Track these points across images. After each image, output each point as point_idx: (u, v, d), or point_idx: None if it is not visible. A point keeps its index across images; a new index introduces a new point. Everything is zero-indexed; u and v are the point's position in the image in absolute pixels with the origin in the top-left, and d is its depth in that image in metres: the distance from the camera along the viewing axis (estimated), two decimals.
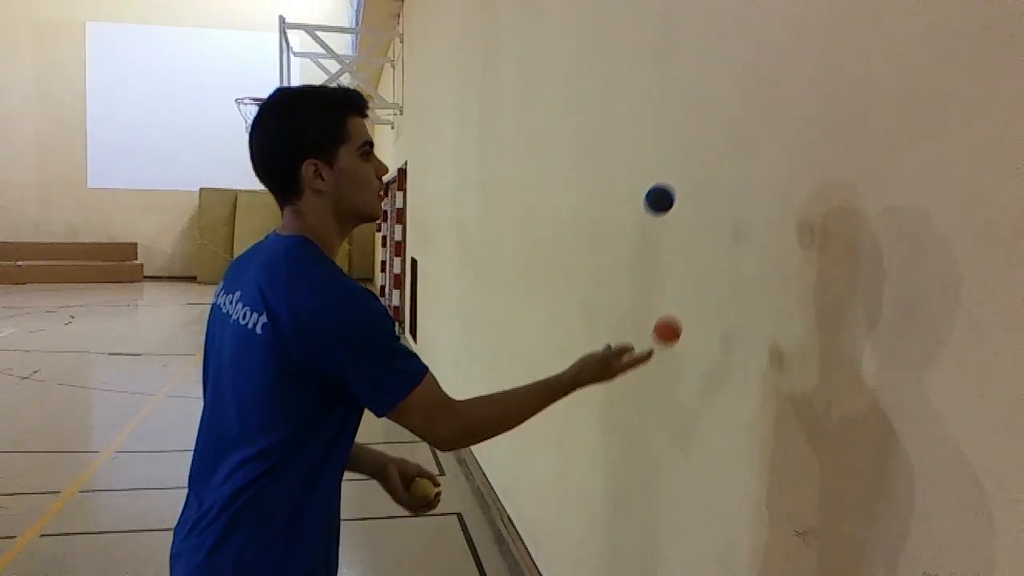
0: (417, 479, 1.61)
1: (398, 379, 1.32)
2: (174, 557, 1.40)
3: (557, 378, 1.48)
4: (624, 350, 1.51)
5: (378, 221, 12.76)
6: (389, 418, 1.34)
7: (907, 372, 1.21)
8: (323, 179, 1.37)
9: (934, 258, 1.16)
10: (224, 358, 1.40)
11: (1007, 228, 1.03)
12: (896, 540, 1.22)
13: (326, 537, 1.42)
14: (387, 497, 1.62)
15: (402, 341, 1.37)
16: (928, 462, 1.17)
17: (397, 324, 10.14)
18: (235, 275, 1.46)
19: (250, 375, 1.34)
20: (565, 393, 1.48)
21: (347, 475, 1.46)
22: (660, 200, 1.49)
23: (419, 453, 5.28)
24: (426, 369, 1.35)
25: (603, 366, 1.50)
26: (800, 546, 1.47)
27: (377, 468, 1.62)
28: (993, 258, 1.06)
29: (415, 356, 1.36)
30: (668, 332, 1.55)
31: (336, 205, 1.40)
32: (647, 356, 1.52)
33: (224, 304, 1.43)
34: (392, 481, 1.59)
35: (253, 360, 1.33)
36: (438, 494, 1.62)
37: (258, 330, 1.32)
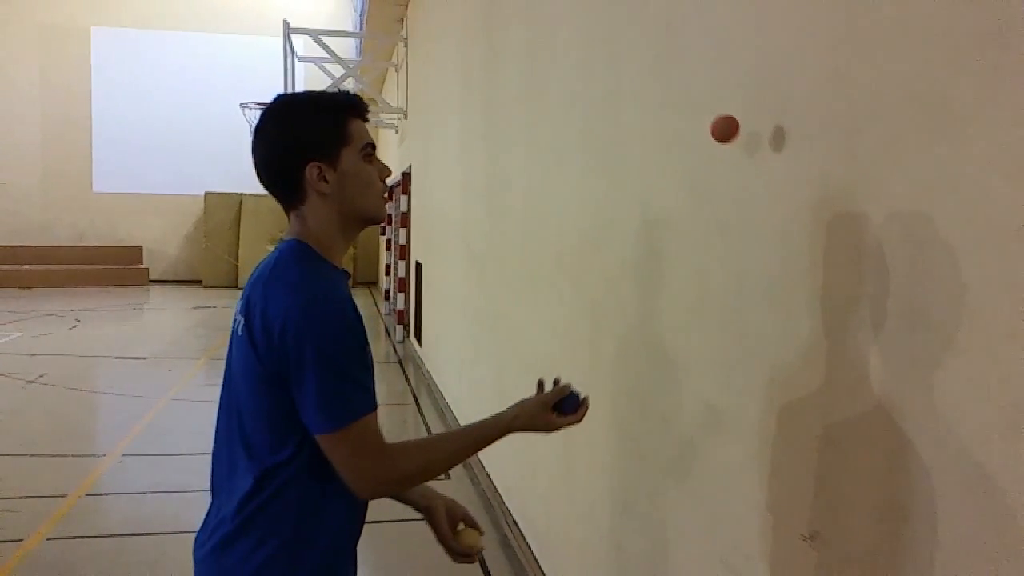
0: (465, 528, 1.57)
1: (338, 406, 1.26)
2: (196, 562, 1.42)
3: (493, 421, 1.43)
4: (562, 393, 1.44)
5: (383, 224, 12.81)
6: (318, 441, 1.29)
7: (913, 375, 1.21)
8: (327, 181, 1.37)
9: (939, 262, 1.16)
10: (231, 365, 1.42)
11: (1011, 232, 1.03)
12: (903, 544, 1.22)
13: (337, 560, 1.41)
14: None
15: (363, 373, 1.30)
16: (935, 466, 1.16)
17: (400, 327, 10.16)
18: (248, 284, 1.48)
19: (241, 380, 1.36)
20: (498, 437, 1.43)
21: None
22: (569, 403, 1.43)
23: None
24: (372, 408, 1.30)
25: (541, 410, 1.43)
26: (806, 550, 1.47)
27: (424, 504, 1.57)
28: (997, 261, 1.06)
29: (368, 391, 1.30)
30: (721, 131, 1.53)
31: (340, 207, 1.40)
32: (579, 417, 1.44)
33: (237, 313, 1.45)
34: (440, 521, 1.55)
35: (241, 364, 1.35)
36: (482, 548, 1.57)
37: (239, 331, 1.34)
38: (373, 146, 1.43)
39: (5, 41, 18.10)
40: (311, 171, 1.36)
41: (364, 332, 1.33)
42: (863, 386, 1.31)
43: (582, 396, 1.45)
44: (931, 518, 1.16)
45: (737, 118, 1.58)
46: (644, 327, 2.30)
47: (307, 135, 1.37)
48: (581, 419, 1.45)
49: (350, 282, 1.48)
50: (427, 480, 1.41)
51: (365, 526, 1.51)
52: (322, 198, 1.38)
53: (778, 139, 1.59)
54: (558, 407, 1.43)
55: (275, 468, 1.31)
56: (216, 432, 1.46)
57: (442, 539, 1.56)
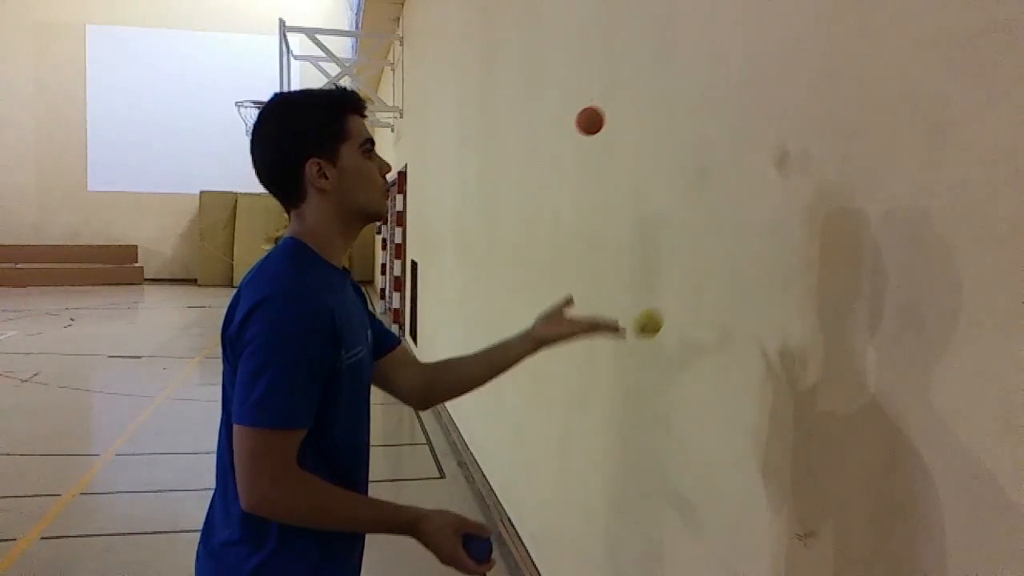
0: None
1: (260, 405, 1.22)
2: (198, 556, 1.42)
3: (407, 511, 1.36)
4: (480, 531, 1.37)
5: (379, 224, 12.79)
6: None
7: (909, 374, 1.21)
8: (327, 178, 1.36)
9: (935, 260, 1.16)
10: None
11: (1007, 230, 1.03)
12: (897, 543, 1.22)
13: (335, 562, 1.40)
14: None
15: (306, 386, 1.25)
16: (930, 464, 1.17)
17: (396, 326, 10.12)
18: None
19: (225, 375, 1.35)
20: (399, 528, 1.34)
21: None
22: (477, 546, 1.35)
23: (418, 454, 5.27)
24: (295, 425, 1.25)
25: (452, 530, 1.33)
26: (800, 549, 1.47)
27: (531, 345, 1.68)
28: (993, 260, 1.06)
29: (299, 406, 1.25)
30: (584, 123, 1.58)
31: (340, 204, 1.39)
32: (481, 570, 1.35)
33: None
34: (552, 333, 1.63)
35: (224, 360, 1.35)
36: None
37: (223, 328, 1.33)
38: (372, 142, 1.43)
39: None
40: (311, 168, 1.36)
41: (338, 340, 1.30)
42: (859, 384, 1.32)
43: (492, 554, 1.37)
44: (926, 516, 1.17)
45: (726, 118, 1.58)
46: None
47: (305, 132, 1.37)
48: (477, 572, 1.35)
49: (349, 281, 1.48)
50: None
51: None
52: (322, 195, 1.38)
53: (773, 137, 1.59)
54: (468, 543, 1.34)
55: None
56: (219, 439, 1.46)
57: (578, 330, 1.68)
